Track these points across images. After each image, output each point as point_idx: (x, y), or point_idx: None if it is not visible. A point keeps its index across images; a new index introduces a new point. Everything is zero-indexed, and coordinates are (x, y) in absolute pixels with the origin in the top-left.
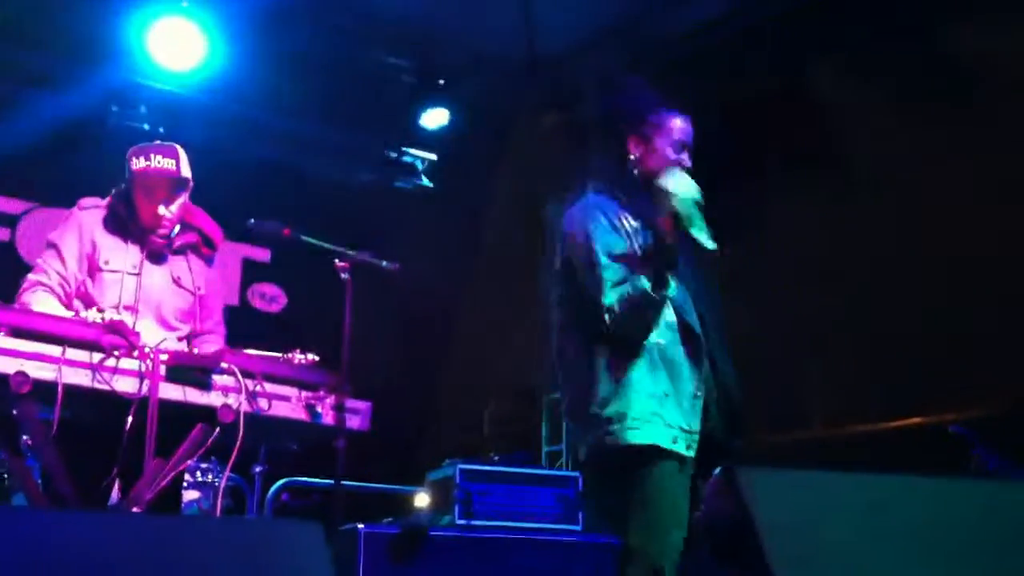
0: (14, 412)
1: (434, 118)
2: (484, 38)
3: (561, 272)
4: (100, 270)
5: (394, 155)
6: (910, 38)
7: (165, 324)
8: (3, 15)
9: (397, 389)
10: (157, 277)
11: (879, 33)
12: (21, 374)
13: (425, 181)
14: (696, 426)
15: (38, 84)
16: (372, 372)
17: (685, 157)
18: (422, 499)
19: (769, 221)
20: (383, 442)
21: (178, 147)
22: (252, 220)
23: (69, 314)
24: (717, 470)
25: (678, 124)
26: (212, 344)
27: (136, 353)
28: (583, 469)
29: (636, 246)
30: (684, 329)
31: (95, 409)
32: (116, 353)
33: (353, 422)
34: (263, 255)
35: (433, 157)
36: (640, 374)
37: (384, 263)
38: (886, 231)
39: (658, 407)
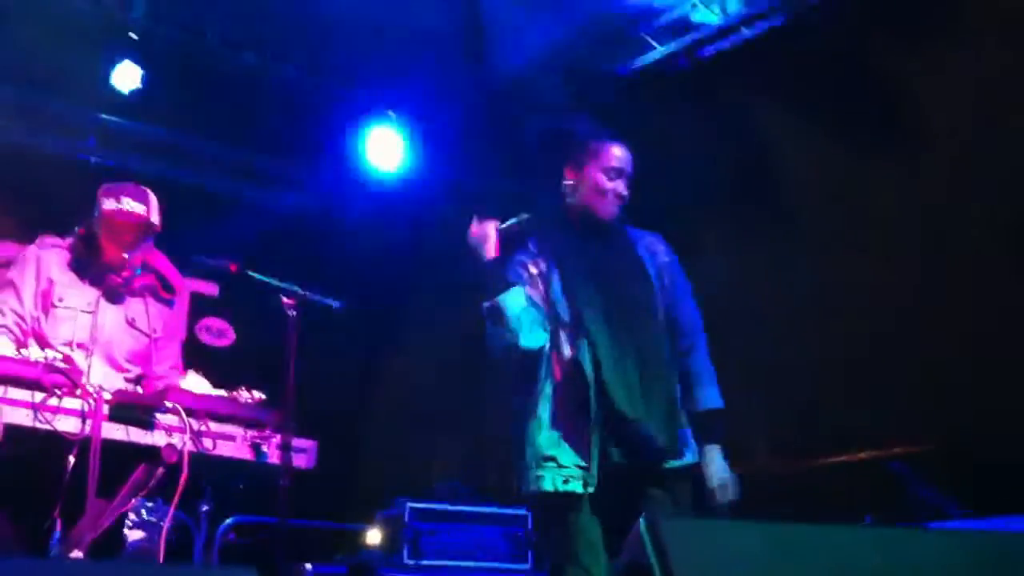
0: None
1: (381, 145)
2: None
3: None
4: (54, 306)
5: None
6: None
7: (114, 364)
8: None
9: (346, 425)
10: (111, 317)
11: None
12: None
13: (370, 211)
14: (590, 462)
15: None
16: (319, 408)
17: (620, 184)
18: (372, 537)
19: (714, 251)
20: (331, 479)
21: (149, 192)
22: (196, 256)
23: (16, 354)
24: (640, 519)
25: (615, 152)
26: None
27: (79, 392)
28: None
29: (535, 290)
30: (579, 367)
31: (36, 449)
32: (58, 392)
33: (299, 460)
34: (211, 289)
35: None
36: (540, 418)
37: (331, 301)
38: (831, 264)
39: (554, 450)
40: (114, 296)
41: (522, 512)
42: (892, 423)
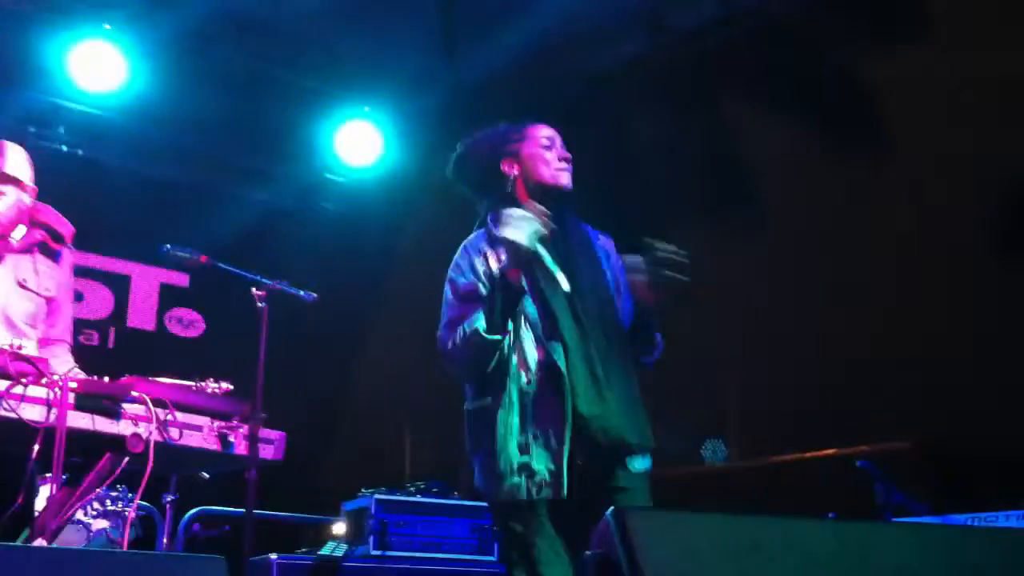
0: None
1: (356, 143)
2: (406, 64)
3: None
4: None
5: (313, 179)
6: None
7: (14, 329)
8: None
9: (314, 417)
10: (0, 280)
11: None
12: None
13: (341, 206)
14: (561, 466)
15: None
16: (289, 400)
17: (557, 150)
18: (338, 529)
19: (689, 248)
20: (298, 471)
21: (7, 144)
22: (168, 246)
23: None
24: (608, 512)
25: (542, 129)
26: (62, 356)
27: (45, 381)
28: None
29: (485, 284)
30: (550, 368)
31: (1, 437)
32: (24, 381)
33: (267, 452)
34: (182, 280)
35: (353, 182)
36: (506, 422)
37: (302, 292)
38: (803, 264)
39: (526, 457)
40: None
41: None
42: (859, 421)
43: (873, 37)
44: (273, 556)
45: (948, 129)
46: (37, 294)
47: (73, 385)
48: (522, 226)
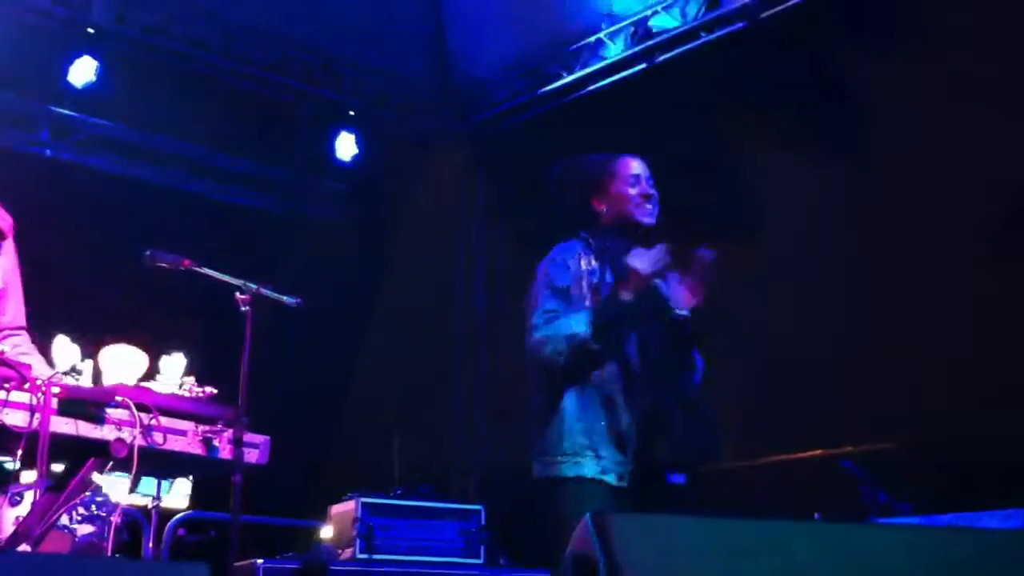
0: None
1: (345, 146)
2: (397, 66)
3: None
4: None
5: (303, 183)
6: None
7: None
8: None
9: (299, 422)
10: None
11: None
12: None
13: (333, 210)
14: (628, 459)
15: None
16: (272, 405)
17: (644, 186)
18: (325, 533)
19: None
20: (284, 475)
21: None
22: (149, 251)
23: None
24: (587, 516)
25: (630, 163)
26: (23, 347)
27: (27, 386)
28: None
29: (586, 284)
30: (624, 366)
31: None
32: (6, 386)
33: (251, 456)
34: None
35: (341, 186)
36: (577, 409)
37: (286, 298)
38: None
39: (590, 442)
40: None
41: (476, 507)
42: (844, 422)
43: (862, 40)
44: (259, 561)
45: (949, 128)
46: None
47: (56, 390)
48: (648, 258)
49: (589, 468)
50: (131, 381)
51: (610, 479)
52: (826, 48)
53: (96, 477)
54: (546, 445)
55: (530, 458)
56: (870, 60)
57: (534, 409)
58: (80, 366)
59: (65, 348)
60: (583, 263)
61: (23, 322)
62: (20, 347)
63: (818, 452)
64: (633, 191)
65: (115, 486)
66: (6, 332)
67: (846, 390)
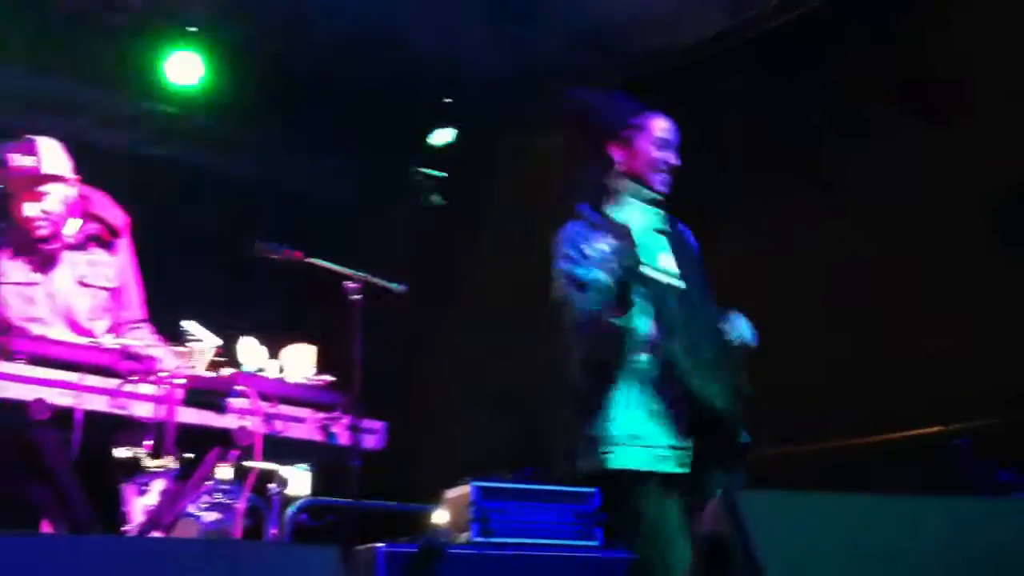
0: (35, 439)
1: (440, 136)
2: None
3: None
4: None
5: (402, 173)
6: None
7: (77, 328)
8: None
9: (407, 408)
10: (59, 282)
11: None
12: (40, 401)
13: (434, 199)
14: (684, 441)
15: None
16: (382, 391)
17: (670, 154)
18: (440, 517)
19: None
20: (396, 461)
21: (39, 140)
22: (266, 243)
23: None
24: (717, 493)
25: (660, 124)
26: (145, 337)
27: (153, 378)
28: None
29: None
30: (663, 347)
31: (113, 434)
32: (133, 378)
33: (369, 441)
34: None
35: (443, 175)
36: (625, 396)
37: (392, 284)
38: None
39: (639, 429)
40: (50, 260)
41: (590, 490)
42: (953, 399)
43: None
44: (379, 545)
45: (949, 129)
46: (99, 288)
47: (181, 381)
48: (636, 215)
49: (638, 460)
50: (309, 375)
51: (666, 467)
52: None
53: (280, 470)
54: (594, 435)
55: (578, 449)
56: None
57: (578, 398)
58: (264, 364)
59: (252, 349)
60: (597, 247)
61: (143, 315)
62: (144, 339)
63: (930, 430)
64: (658, 154)
65: (297, 478)
66: (129, 326)
67: (954, 367)
